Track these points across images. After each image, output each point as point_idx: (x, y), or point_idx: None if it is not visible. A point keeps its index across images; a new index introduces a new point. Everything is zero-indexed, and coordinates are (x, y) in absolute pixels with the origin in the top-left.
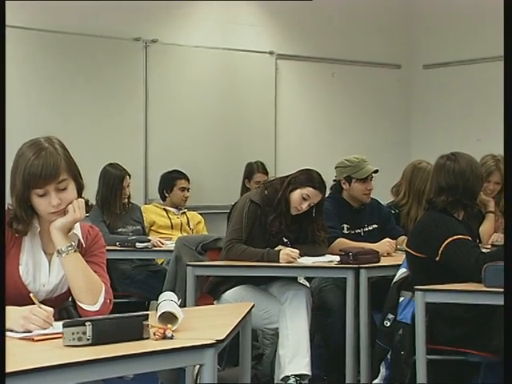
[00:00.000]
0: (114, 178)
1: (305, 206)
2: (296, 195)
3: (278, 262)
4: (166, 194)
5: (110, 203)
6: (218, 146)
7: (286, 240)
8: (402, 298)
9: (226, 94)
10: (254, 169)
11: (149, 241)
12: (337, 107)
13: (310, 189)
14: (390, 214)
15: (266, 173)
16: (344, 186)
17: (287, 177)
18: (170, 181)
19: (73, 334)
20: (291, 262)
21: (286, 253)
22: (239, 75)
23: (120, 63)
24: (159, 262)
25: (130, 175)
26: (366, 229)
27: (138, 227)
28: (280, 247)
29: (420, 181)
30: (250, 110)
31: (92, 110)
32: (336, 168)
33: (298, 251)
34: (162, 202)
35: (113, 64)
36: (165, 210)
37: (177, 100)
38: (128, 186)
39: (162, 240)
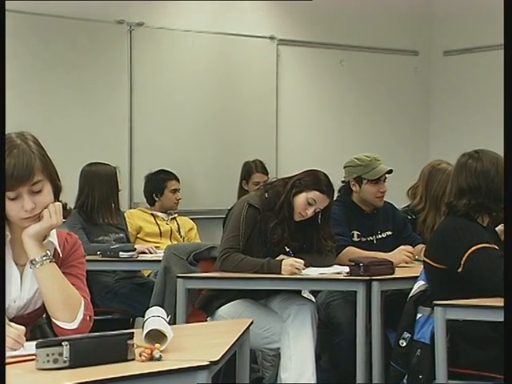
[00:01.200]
0: (109, 175)
1: (310, 211)
2: (300, 199)
3: (280, 273)
4: (156, 198)
5: (110, 203)
6: (211, 143)
7: (288, 249)
8: (419, 315)
9: (221, 84)
10: (251, 168)
11: (134, 250)
12: (346, 99)
13: (317, 192)
14: (406, 219)
15: (266, 173)
16: (354, 188)
17: (290, 178)
18: (160, 183)
19: (48, 355)
20: (295, 274)
21: (289, 263)
22: (236, 63)
23: (101, 49)
24: (146, 274)
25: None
26: (379, 236)
27: (122, 235)
28: (282, 257)
29: (438, 184)
30: (247, 102)
31: (69, 102)
32: (345, 168)
33: (302, 261)
34: (148, 206)
35: (93, 50)
36: (152, 215)
37: (165, 91)
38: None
39: (150, 247)
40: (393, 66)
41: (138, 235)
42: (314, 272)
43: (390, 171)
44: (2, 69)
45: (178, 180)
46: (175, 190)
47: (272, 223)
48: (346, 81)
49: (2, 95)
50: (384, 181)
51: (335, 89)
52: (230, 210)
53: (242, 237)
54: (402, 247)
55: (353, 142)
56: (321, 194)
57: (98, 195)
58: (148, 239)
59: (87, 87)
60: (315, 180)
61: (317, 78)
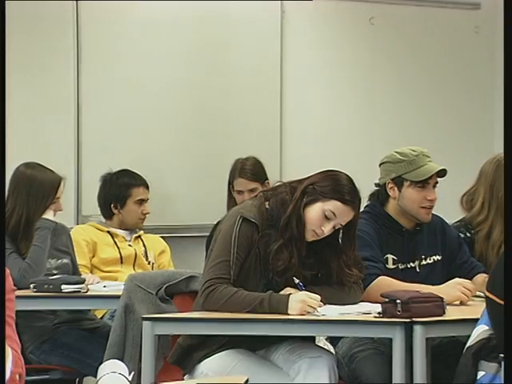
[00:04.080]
0: (45, 186)
1: (328, 228)
2: (314, 212)
3: (287, 313)
4: (115, 210)
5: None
6: (191, 136)
7: (297, 280)
8: (481, 373)
9: (205, 54)
10: (235, 170)
11: (82, 281)
12: (378, 72)
13: (337, 203)
14: (461, 239)
15: (257, 178)
16: (391, 193)
17: (301, 182)
18: (122, 189)
19: None
20: (306, 314)
21: (300, 299)
22: (225, 24)
23: (38, 11)
24: (98, 316)
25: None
26: (424, 262)
27: (66, 261)
28: (289, 291)
29: None
30: (240, 78)
31: None
32: (381, 165)
33: (317, 297)
34: (104, 220)
35: (28, 13)
36: (109, 233)
37: (127, 63)
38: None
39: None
40: (444, 24)
41: (93, 261)
42: (332, 311)
43: (442, 172)
44: (2, 69)
45: (147, 187)
46: (142, 201)
47: (275, 244)
48: (378, 46)
49: (1, 95)
50: (434, 186)
51: (363, 57)
52: (216, 225)
53: (234, 263)
54: (456, 280)
55: (388, 132)
56: (342, 205)
57: (25, 210)
58: (103, 268)
59: (18, 59)
60: (335, 185)
61: (337, 44)
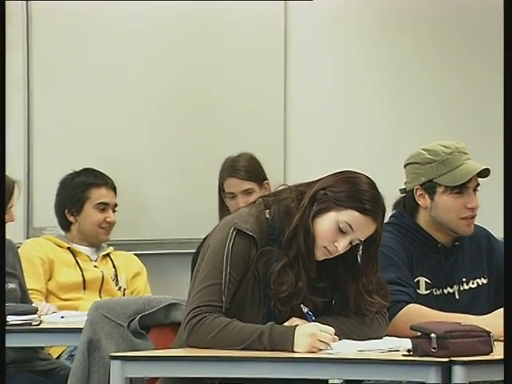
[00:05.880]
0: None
1: (343, 244)
2: (326, 224)
3: (292, 349)
4: (71, 218)
5: None
6: (171, 131)
7: (306, 309)
8: None
9: (194, 34)
10: (224, 170)
11: (34, 311)
12: (403, 55)
13: (355, 213)
14: None
15: (254, 176)
16: (421, 202)
17: (309, 186)
18: (77, 190)
19: None
20: (317, 351)
21: (309, 333)
22: (219, 5)
23: None
24: (54, 355)
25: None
26: (465, 286)
27: (13, 286)
28: (296, 321)
29: None
30: (236, 64)
31: None
32: (406, 167)
33: (330, 330)
34: (63, 234)
35: None
36: (70, 250)
37: (89, 46)
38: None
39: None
40: None
41: (48, 285)
42: (349, 348)
43: (484, 172)
44: (2, 69)
45: (112, 188)
46: (105, 206)
47: (278, 264)
48: (403, 20)
49: (1, 95)
50: (475, 190)
51: (382, 34)
52: (204, 240)
53: (227, 287)
54: None
55: (416, 125)
56: (361, 216)
57: None
58: (61, 294)
59: None
60: (352, 191)
61: (351, 24)
